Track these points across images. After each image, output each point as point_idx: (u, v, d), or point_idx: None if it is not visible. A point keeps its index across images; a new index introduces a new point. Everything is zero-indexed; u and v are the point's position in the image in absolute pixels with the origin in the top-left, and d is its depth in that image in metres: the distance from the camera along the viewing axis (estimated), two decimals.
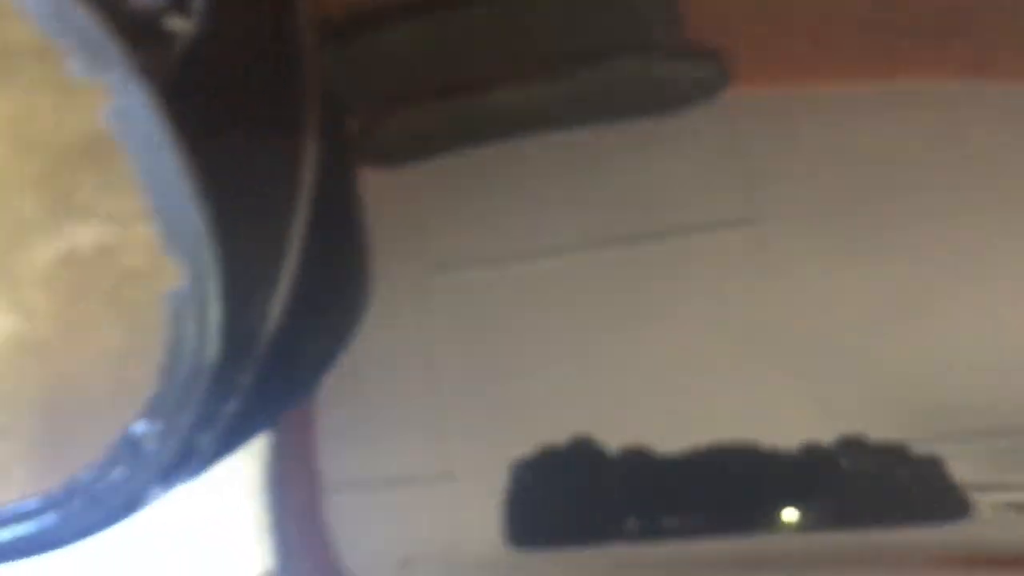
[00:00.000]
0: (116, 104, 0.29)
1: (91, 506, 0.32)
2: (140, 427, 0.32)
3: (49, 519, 0.33)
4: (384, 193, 0.39)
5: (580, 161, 0.39)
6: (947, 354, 0.37)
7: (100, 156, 0.39)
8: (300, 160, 0.34)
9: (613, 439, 0.38)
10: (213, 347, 0.31)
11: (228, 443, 0.34)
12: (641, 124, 0.39)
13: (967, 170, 0.38)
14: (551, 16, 0.39)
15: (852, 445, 0.37)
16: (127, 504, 0.32)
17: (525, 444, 0.39)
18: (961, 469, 0.36)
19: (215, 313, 0.31)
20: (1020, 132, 0.37)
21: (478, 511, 0.39)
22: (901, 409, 0.36)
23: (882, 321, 0.37)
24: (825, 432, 0.37)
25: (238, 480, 0.42)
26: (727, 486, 0.37)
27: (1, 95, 0.39)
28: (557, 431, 0.39)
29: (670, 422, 0.38)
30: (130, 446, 0.32)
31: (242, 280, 0.31)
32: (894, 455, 0.36)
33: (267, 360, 0.33)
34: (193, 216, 0.29)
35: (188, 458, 0.32)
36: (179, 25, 0.30)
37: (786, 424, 0.37)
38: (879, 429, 0.37)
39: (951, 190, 0.38)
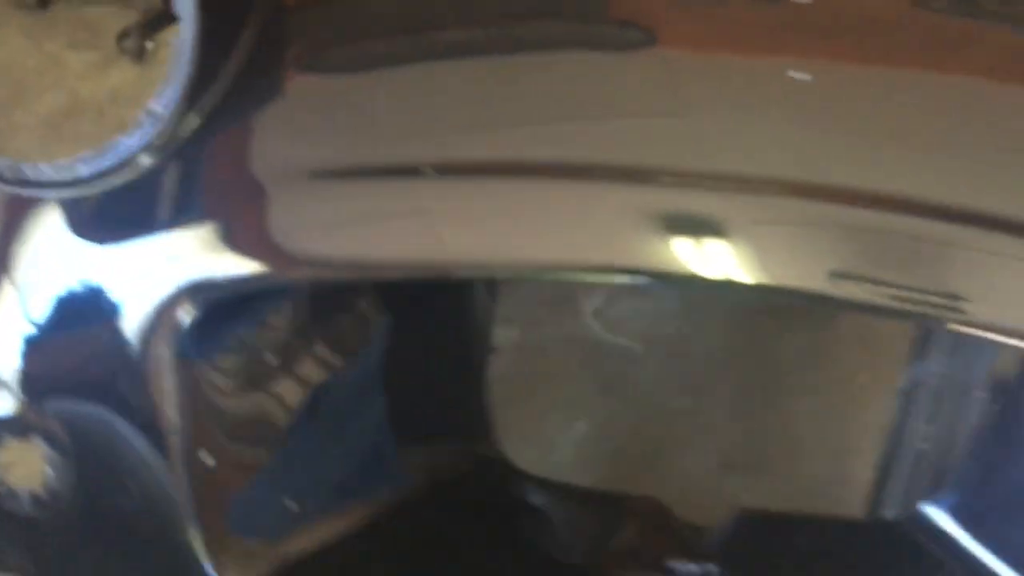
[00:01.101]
0: None
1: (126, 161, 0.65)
2: (154, 105, 0.66)
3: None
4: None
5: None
6: None
7: None
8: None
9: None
10: (194, 63, 0.66)
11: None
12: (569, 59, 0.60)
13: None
14: None
15: None
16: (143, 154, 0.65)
17: None
18: None
19: (195, 50, 0.66)
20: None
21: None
22: None
23: None
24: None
25: None
26: None
27: None
28: None
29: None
30: (149, 115, 0.65)
31: (208, 48, 0.66)
32: None
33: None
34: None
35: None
36: None
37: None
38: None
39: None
